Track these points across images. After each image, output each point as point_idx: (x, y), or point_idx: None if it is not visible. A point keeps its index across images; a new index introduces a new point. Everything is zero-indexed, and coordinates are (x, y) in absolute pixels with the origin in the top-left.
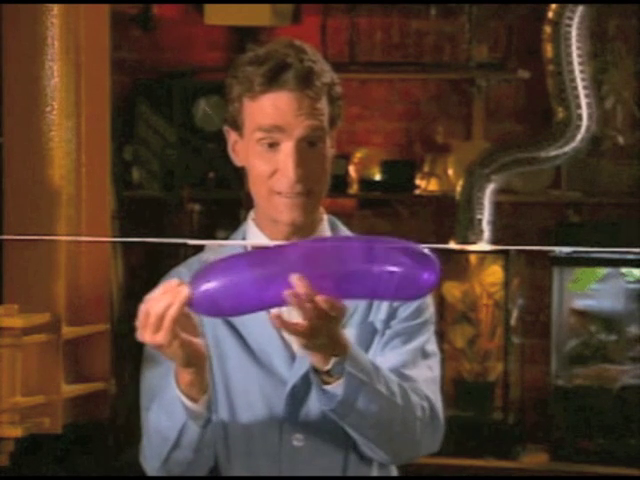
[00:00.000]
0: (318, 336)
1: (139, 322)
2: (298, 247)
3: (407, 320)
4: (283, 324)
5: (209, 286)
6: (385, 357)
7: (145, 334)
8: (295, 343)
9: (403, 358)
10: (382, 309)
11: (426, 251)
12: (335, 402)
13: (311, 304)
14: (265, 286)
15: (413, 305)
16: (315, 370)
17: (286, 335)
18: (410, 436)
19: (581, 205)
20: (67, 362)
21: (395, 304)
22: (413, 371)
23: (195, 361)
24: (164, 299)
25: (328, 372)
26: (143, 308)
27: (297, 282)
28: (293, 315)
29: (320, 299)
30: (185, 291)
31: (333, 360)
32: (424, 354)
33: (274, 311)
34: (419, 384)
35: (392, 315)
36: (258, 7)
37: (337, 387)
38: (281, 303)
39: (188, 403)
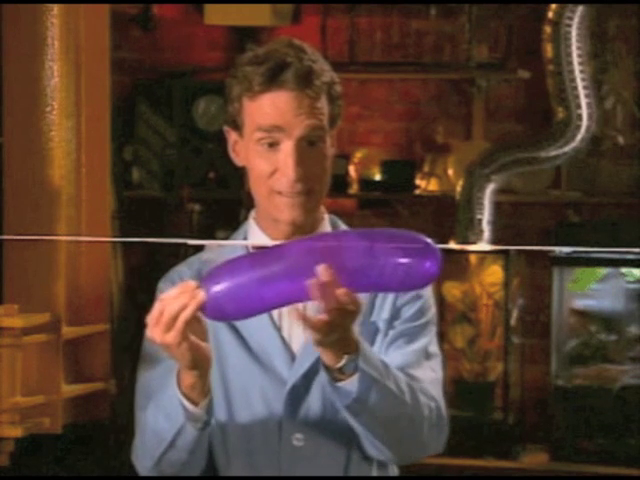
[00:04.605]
0: (334, 332)
1: (151, 319)
2: (301, 244)
3: (410, 321)
4: (302, 318)
5: (218, 289)
6: (389, 357)
7: (155, 332)
8: (295, 343)
9: (407, 359)
10: (385, 309)
11: (427, 240)
12: (350, 399)
13: (333, 296)
14: (270, 287)
15: (416, 305)
16: (326, 368)
17: (286, 335)
18: (417, 435)
19: (581, 205)
20: (67, 362)
21: (398, 304)
22: (418, 371)
23: (200, 364)
24: (180, 300)
25: (340, 369)
26: (157, 306)
27: (323, 272)
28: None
29: (341, 292)
30: (202, 295)
31: (346, 357)
32: (427, 355)
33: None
34: (425, 384)
35: (395, 315)
36: (258, 7)
37: (351, 384)
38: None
39: (188, 406)
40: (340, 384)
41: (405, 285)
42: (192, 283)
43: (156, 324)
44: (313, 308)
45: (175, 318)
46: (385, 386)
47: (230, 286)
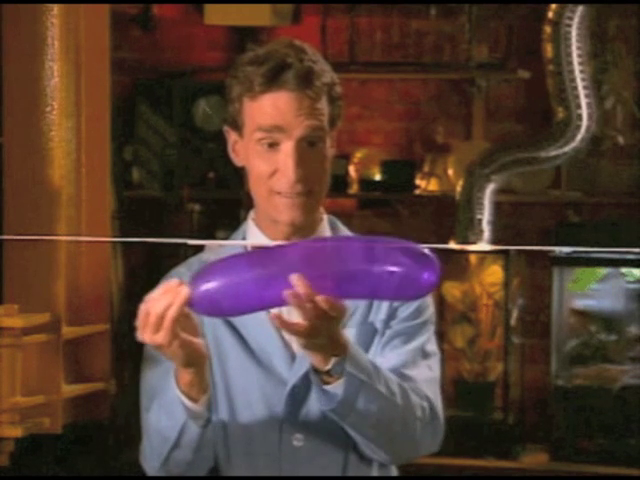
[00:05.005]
0: (318, 336)
1: (139, 322)
2: (298, 247)
3: (407, 320)
4: (283, 324)
5: (209, 286)
6: (385, 357)
7: (145, 334)
8: (295, 343)
9: (403, 358)
10: (382, 309)
11: (426, 251)
12: (335, 402)
13: (311, 304)
14: (265, 286)
15: (413, 305)
16: (315, 370)
17: (286, 335)
18: (410, 436)
19: (581, 205)
20: (67, 362)
21: (395, 304)
22: (413, 371)
23: (195, 361)
24: (164, 299)
25: (328, 372)
26: (143, 308)
27: (297, 282)
28: (293, 315)
29: (320, 299)
30: (185, 291)
31: (333, 360)
32: (424, 354)
33: (274, 311)
34: (419, 384)
35: (392, 315)
36: (258, 7)
37: (337, 387)
38: (281, 303)
39: (188, 403)
40: (327, 387)
41: (400, 294)
42: (175, 281)
43: (144, 326)
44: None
45: (162, 318)
46: (374, 389)
47: (222, 282)
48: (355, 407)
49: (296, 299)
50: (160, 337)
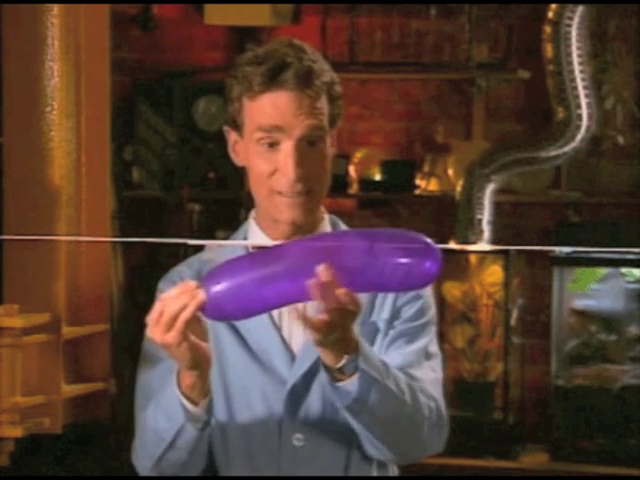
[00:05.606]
0: (334, 331)
1: (151, 319)
2: (302, 244)
3: (410, 321)
4: (302, 318)
5: (218, 289)
6: (389, 357)
7: (155, 332)
8: (295, 343)
9: (407, 359)
10: (385, 309)
11: (427, 240)
12: (350, 399)
13: (333, 296)
14: (270, 287)
15: (416, 305)
16: (326, 368)
17: (286, 335)
18: (417, 435)
19: (581, 205)
20: (67, 362)
21: (398, 304)
22: (418, 372)
23: (200, 364)
24: (180, 300)
25: (340, 369)
26: (157, 306)
27: (323, 272)
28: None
29: (341, 292)
30: (202, 295)
31: (346, 357)
32: (427, 355)
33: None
34: (425, 384)
35: (395, 315)
36: (258, 7)
37: (351, 384)
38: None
39: (188, 406)
40: (340, 384)
41: (405, 285)
42: (192, 283)
43: (156, 324)
44: (313, 308)
45: (175, 318)
46: (385, 386)
47: (230, 286)
48: (368, 404)
49: (319, 290)
50: (170, 337)
